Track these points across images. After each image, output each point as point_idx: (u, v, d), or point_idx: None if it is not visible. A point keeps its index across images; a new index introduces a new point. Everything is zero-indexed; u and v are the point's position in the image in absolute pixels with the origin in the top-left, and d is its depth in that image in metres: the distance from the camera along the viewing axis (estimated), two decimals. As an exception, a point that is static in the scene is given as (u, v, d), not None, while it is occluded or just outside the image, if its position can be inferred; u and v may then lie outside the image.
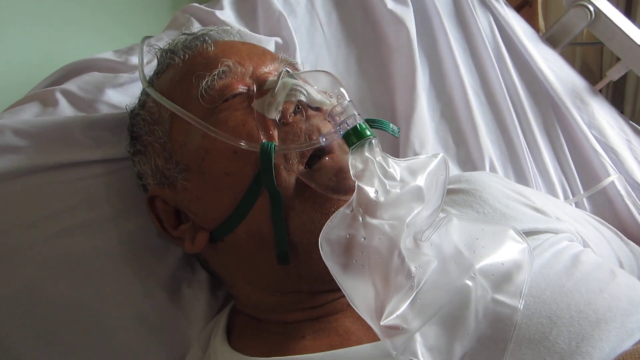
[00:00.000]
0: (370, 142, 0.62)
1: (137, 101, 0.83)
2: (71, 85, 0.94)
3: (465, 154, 1.11)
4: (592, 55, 2.40)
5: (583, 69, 2.38)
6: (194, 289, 0.84)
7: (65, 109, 0.90)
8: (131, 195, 0.83)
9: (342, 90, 0.68)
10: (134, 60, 1.02)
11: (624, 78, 2.47)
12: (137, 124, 0.79)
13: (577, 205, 1.12)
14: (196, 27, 1.07)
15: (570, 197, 1.12)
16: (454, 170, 1.07)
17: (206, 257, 0.80)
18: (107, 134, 0.86)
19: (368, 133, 0.62)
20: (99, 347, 0.77)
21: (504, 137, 1.15)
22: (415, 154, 1.05)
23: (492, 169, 1.09)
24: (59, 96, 0.91)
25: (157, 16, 1.89)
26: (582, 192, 1.12)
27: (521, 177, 1.11)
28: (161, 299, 0.81)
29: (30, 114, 0.88)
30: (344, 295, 0.66)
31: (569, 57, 2.40)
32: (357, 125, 0.62)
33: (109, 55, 1.04)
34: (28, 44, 1.32)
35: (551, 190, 1.11)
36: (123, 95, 0.94)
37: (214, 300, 0.84)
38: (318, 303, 0.69)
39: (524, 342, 0.58)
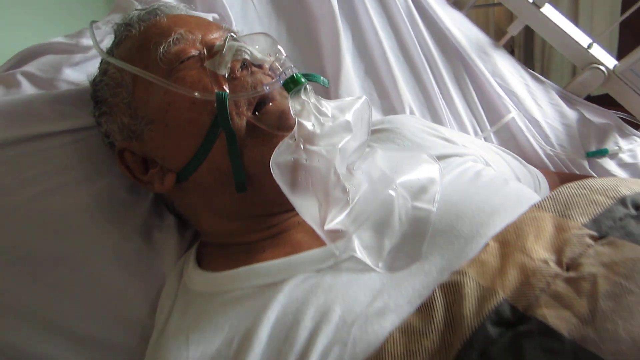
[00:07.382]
0: (306, 88, 0.74)
1: (97, 71, 0.90)
2: (30, 67, 1.00)
3: (388, 104, 1.25)
4: (503, 17, 2.63)
5: (497, 31, 2.60)
6: (164, 232, 0.93)
7: (28, 89, 0.96)
8: (99, 158, 0.91)
9: (279, 47, 0.78)
10: (85, 42, 1.08)
11: (532, 40, 2.73)
12: (101, 89, 0.86)
13: (486, 140, 1.28)
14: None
15: (480, 134, 1.29)
16: (379, 117, 1.20)
17: (173, 199, 0.88)
18: (70, 107, 0.93)
19: (303, 80, 0.74)
20: (85, 287, 0.85)
21: (420, 88, 1.28)
22: None
23: (412, 115, 1.23)
24: (20, 78, 0.97)
25: (89, 10, 1.91)
26: (489, 129, 1.30)
27: (437, 120, 1.26)
28: (137, 243, 0.89)
29: None
30: (295, 215, 0.79)
31: (483, 19, 2.63)
32: (294, 74, 0.74)
33: (60, 39, 1.10)
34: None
35: (463, 129, 1.27)
36: (80, 73, 1.01)
37: (182, 240, 0.93)
38: (274, 223, 0.79)
39: (437, 233, 0.70)
